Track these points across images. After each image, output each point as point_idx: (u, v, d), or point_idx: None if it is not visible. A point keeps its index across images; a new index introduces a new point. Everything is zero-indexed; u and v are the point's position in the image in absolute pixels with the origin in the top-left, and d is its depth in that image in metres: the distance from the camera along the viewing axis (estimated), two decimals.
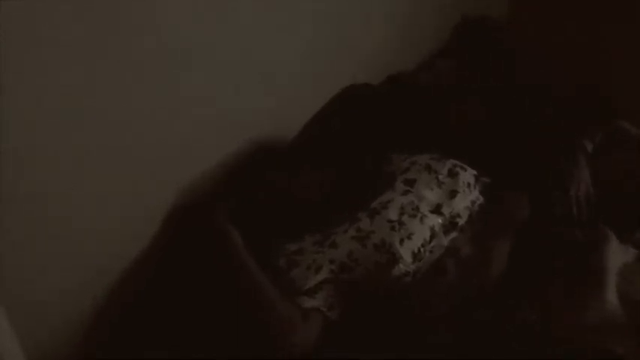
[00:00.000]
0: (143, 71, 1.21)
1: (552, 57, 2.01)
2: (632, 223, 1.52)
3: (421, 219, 1.41)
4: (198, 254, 1.35)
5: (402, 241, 1.36)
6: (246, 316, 1.27)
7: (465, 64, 1.97)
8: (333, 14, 1.71)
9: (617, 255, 1.41)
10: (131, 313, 1.35)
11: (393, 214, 1.41)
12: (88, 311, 1.29)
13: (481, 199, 1.52)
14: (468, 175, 1.53)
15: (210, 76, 1.37)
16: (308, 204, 1.46)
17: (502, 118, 1.75)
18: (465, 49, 2.06)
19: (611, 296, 1.32)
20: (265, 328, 1.25)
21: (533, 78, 1.98)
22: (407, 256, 1.34)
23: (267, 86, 1.54)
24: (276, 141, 1.59)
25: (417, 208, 1.43)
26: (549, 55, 2.03)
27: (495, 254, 1.40)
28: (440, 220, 1.43)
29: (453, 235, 1.43)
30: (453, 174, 1.52)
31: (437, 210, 1.44)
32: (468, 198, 1.49)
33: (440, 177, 1.50)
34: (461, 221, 1.45)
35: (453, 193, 1.48)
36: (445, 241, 1.42)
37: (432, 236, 1.40)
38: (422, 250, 1.37)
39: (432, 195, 1.46)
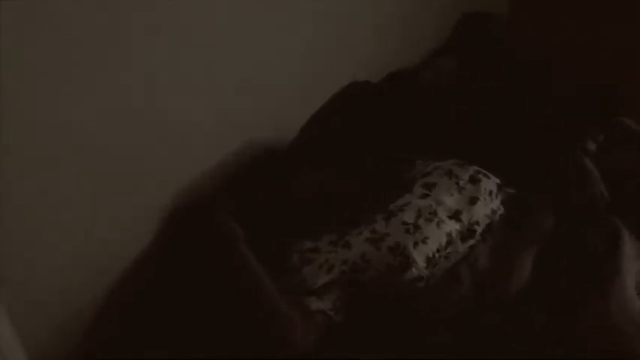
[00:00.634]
0: (143, 71, 1.21)
1: (552, 57, 2.01)
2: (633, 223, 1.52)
3: (438, 224, 1.38)
4: (198, 253, 1.35)
5: (416, 244, 1.33)
6: (245, 315, 1.27)
7: (465, 63, 1.96)
8: (333, 14, 1.71)
9: (631, 255, 1.39)
10: (131, 313, 1.35)
11: (409, 216, 1.38)
12: (88, 311, 1.29)
13: (502, 210, 1.48)
14: (490, 182, 1.49)
15: (210, 76, 1.37)
16: (328, 203, 1.45)
17: (502, 118, 1.75)
18: (465, 48, 2.06)
19: (632, 296, 1.30)
20: (265, 327, 1.25)
21: (533, 78, 1.98)
22: (420, 261, 1.31)
23: (267, 86, 1.54)
24: (276, 141, 1.59)
25: (435, 213, 1.39)
26: (549, 55, 2.03)
27: (518, 266, 1.36)
28: (458, 227, 1.40)
29: (471, 242, 1.40)
30: (474, 180, 1.48)
31: (455, 216, 1.41)
32: (488, 206, 1.46)
33: (461, 183, 1.47)
34: (479, 229, 1.42)
35: (473, 200, 1.44)
36: (462, 248, 1.38)
37: (449, 242, 1.37)
38: (437, 255, 1.34)
39: (451, 200, 1.43)
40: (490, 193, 1.47)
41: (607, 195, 1.54)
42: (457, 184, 1.46)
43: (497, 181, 1.51)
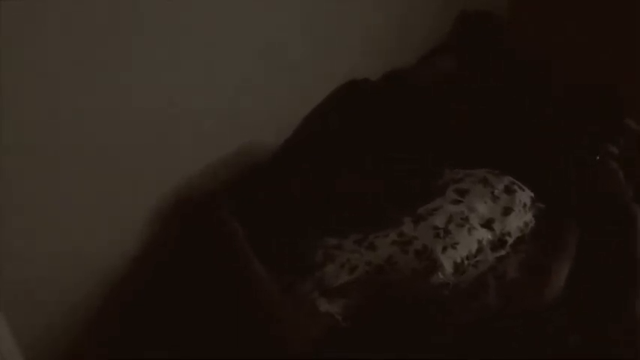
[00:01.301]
0: (143, 71, 1.21)
1: (552, 57, 2.01)
2: None
3: (469, 230, 1.34)
4: (198, 252, 1.34)
5: (444, 249, 1.29)
6: (245, 315, 1.26)
7: (464, 63, 1.96)
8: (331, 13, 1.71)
9: None
10: (130, 313, 1.35)
11: (439, 221, 1.34)
12: (87, 311, 1.29)
13: (533, 223, 1.45)
14: (525, 195, 1.46)
15: (210, 76, 1.37)
16: (353, 202, 1.43)
17: (502, 118, 1.75)
18: (464, 47, 2.06)
19: None
20: (264, 327, 1.24)
21: (533, 78, 1.98)
22: (448, 266, 1.27)
23: (266, 86, 1.54)
24: (275, 141, 1.59)
25: (467, 219, 1.36)
26: (549, 55, 2.02)
27: (553, 280, 1.33)
28: (489, 236, 1.36)
29: (501, 252, 1.36)
30: (509, 191, 1.45)
31: (487, 224, 1.37)
32: (522, 218, 1.42)
33: (495, 192, 1.43)
34: (510, 240, 1.38)
35: (507, 210, 1.41)
36: (491, 257, 1.34)
37: (479, 250, 1.33)
38: (465, 262, 1.30)
39: (484, 208, 1.39)
40: (524, 205, 1.44)
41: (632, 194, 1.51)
42: (492, 192, 1.43)
43: (531, 194, 1.48)
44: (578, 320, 1.30)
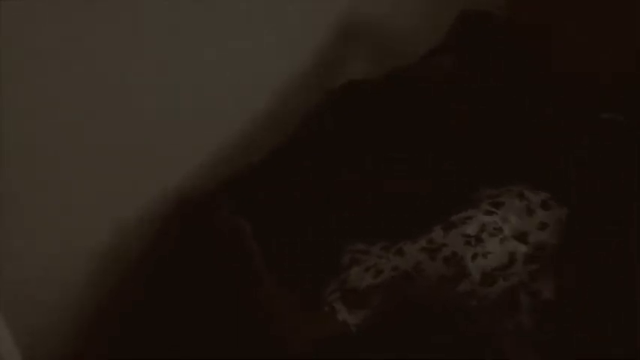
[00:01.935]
0: (143, 71, 1.21)
1: (552, 57, 2.00)
2: None
3: (502, 240, 1.29)
4: (199, 252, 1.34)
5: (475, 256, 1.24)
6: (245, 314, 1.26)
7: (464, 62, 1.96)
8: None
9: None
10: (130, 314, 1.35)
11: (471, 229, 1.29)
12: (86, 311, 1.29)
13: (565, 240, 1.38)
14: (562, 212, 1.40)
15: (211, 76, 1.37)
16: (388, 203, 1.42)
17: (502, 118, 1.74)
18: (464, 47, 2.06)
19: None
20: (264, 326, 1.24)
21: (534, 78, 1.97)
22: (476, 274, 1.23)
23: (266, 86, 1.54)
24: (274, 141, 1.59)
25: (500, 229, 1.30)
26: (549, 54, 2.02)
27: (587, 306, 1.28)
28: (523, 249, 1.30)
29: (534, 267, 1.31)
30: (546, 206, 1.39)
31: (521, 237, 1.32)
32: (558, 235, 1.36)
33: (532, 206, 1.38)
34: (544, 256, 1.33)
35: (542, 225, 1.35)
36: (523, 272, 1.29)
37: (511, 262, 1.28)
38: (495, 273, 1.25)
39: (518, 221, 1.34)
40: (560, 221, 1.39)
41: None
42: (528, 207, 1.37)
43: (568, 212, 1.42)
44: (578, 320, 1.29)
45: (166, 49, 1.24)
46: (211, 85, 1.38)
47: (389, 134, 1.60)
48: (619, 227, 1.40)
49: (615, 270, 1.35)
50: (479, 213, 1.34)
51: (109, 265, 1.31)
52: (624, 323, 1.27)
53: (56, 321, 1.24)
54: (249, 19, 1.42)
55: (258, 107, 1.53)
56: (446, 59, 2.01)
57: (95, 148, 1.17)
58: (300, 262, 1.34)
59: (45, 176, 1.10)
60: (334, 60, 1.77)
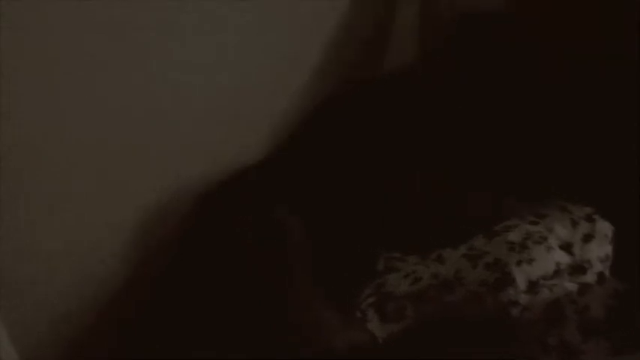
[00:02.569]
0: (143, 71, 1.22)
1: (553, 57, 2.00)
2: None
3: (547, 249, 1.25)
4: (221, 249, 1.30)
5: (519, 262, 1.20)
6: (275, 314, 1.20)
7: (464, 63, 1.96)
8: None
9: None
10: (135, 316, 1.35)
11: (515, 237, 1.26)
12: (87, 312, 1.29)
13: (611, 259, 1.33)
14: (606, 226, 1.35)
15: (210, 76, 1.38)
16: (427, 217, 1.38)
17: (502, 119, 1.74)
18: (464, 48, 2.06)
19: None
20: (297, 327, 1.18)
21: (534, 78, 1.97)
22: (521, 282, 1.18)
23: (265, 87, 1.54)
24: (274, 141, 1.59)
25: (545, 238, 1.27)
26: (549, 54, 2.02)
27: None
28: (568, 260, 1.26)
29: (580, 279, 1.26)
30: (590, 219, 1.35)
31: (567, 248, 1.28)
32: (603, 249, 1.32)
33: (575, 217, 1.34)
34: (590, 269, 1.28)
35: (587, 237, 1.31)
36: (569, 283, 1.24)
37: (556, 272, 1.23)
38: (540, 282, 1.21)
39: (563, 232, 1.30)
40: (605, 235, 1.34)
41: None
42: (572, 218, 1.34)
43: (612, 228, 1.36)
44: (628, 343, 1.18)
45: (166, 49, 1.25)
46: (211, 85, 1.39)
47: (388, 135, 1.60)
48: None
49: None
50: (522, 222, 1.31)
51: (109, 265, 1.31)
52: None
53: (54, 322, 1.24)
54: (250, 19, 1.43)
55: (259, 107, 1.53)
56: (446, 60, 2.01)
57: (95, 148, 1.18)
58: (334, 265, 1.30)
59: (45, 176, 1.10)
60: (335, 60, 1.77)
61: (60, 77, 1.08)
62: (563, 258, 1.26)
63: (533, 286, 1.19)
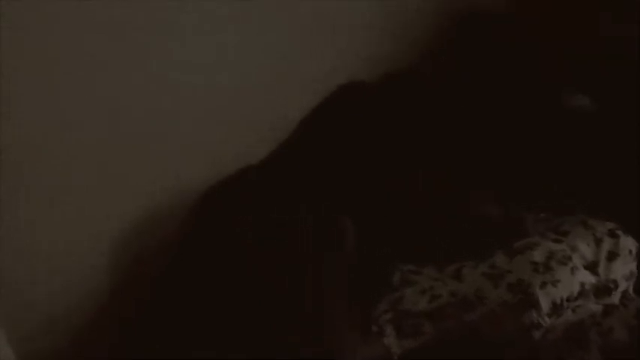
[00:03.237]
0: (143, 71, 1.22)
1: (553, 57, 2.00)
2: None
3: (572, 270, 1.22)
4: (223, 251, 1.28)
5: (543, 285, 1.18)
6: (306, 319, 1.18)
7: (464, 63, 1.96)
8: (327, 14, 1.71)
9: None
10: (134, 315, 1.35)
11: (539, 256, 1.23)
12: (87, 312, 1.29)
13: (635, 275, 1.32)
14: (630, 241, 1.34)
15: (210, 76, 1.38)
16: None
17: (502, 119, 1.74)
18: (464, 48, 2.06)
19: None
20: (320, 339, 1.16)
21: (534, 78, 1.97)
22: (545, 304, 1.16)
23: (265, 87, 1.54)
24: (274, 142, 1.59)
25: (569, 258, 1.24)
26: (549, 55, 2.02)
27: None
28: (593, 280, 1.24)
29: (605, 300, 1.24)
30: (613, 235, 1.33)
31: (591, 267, 1.26)
32: (627, 266, 1.30)
33: (597, 234, 1.32)
34: (615, 289, 1.27)
35: (612, 255, 1.29)
36: (594, 304, 1.23)
37: (581, 293, 1.21)
38: (565, 304, 1.18)
39: (587, 250, 1.28)
40: (629, 252, 1.32)
41: None
42: (594, 235, 1.32)
43: (637, 243, 1.35)
44: None
45: (166, 49, 1.24)
46: (211, 85, 1.38)
47: (389, 135, 1.60)
48: None
49: None
50: (544, 240, 1.28)
51: (110, 266, 1.31)
52: None
53: (53, 322, 1.23)
54: (250, 19, 1.43)
55: (259, 107, 1.53)
56: (447, 60, 2.01)
57: (96, 147, 1.18)
58: (351, 277, 1.28)
59: (45, 176, 1.10)
60: (335, 60, 1.77)
61: (60, 77, 1.07)
62: (587, 278, 1.23)
63: (557, 309, 1.17)
